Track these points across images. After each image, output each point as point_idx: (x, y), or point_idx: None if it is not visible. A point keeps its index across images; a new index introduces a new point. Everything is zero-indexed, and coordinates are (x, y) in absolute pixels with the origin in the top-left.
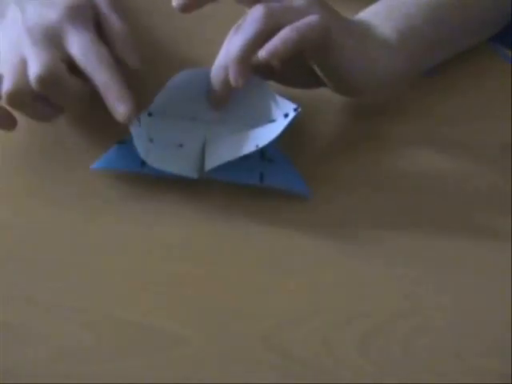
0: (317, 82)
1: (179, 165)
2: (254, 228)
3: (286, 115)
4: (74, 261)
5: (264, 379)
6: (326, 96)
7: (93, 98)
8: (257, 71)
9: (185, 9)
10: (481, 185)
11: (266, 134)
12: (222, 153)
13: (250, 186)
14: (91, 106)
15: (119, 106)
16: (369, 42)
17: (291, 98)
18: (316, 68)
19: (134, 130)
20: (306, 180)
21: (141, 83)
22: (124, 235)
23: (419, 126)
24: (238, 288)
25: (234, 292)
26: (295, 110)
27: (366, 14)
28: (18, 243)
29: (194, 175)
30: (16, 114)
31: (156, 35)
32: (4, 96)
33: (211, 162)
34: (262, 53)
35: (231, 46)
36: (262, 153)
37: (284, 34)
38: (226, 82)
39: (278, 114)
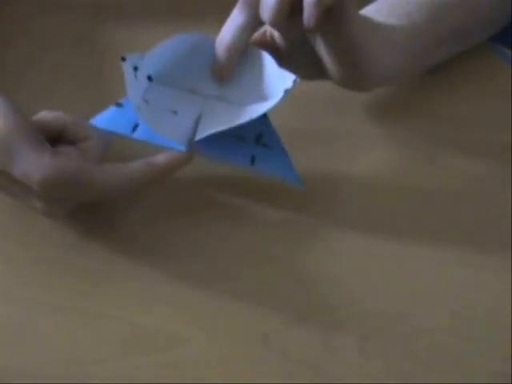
0: (319, 74)
1: (170, 131)
2: (253, 228)
3: (287, 91)
4: (73, 260)
5: (264, 379)
6: (329, 95)
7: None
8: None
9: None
10: (481, 185)
11: (260, 108)
12: (214, 124)
13: (249, 180)
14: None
15: None
16: (376, 36)
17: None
18: (323, 51)
19: (130, 80)
20: (303, 176)
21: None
22: (123, 234)
23: (419, 125)
24: (238, 288)
25: (234, 292)
26: (294, 81)
27: (368, 12)
28: (17, 242)
29: (182, 147)
30: None
31: None
32: None
33: (202, 132)
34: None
35: (264, 8)
36: (258, 137)
37: None
38: (230, 49)
39: (278, 89)
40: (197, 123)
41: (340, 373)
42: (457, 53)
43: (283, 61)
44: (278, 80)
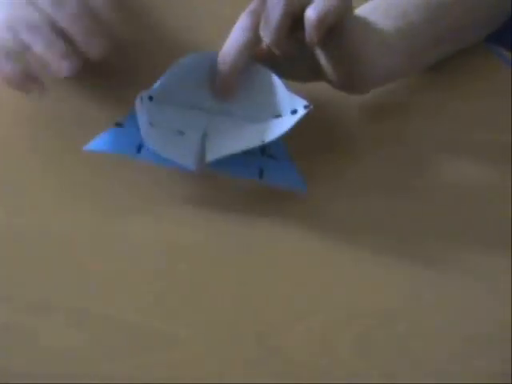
0: (313, 76)
1: (178, 152)
2: (252, 229)
3: (294, 111)
4: (71, 261)
5: (262, 380)
6: (329, 96)
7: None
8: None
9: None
10: (481, 185)
11: (272, 130)
12: (224, 145)
13: (249, 184)
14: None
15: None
16: (372, 39)
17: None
18: (322, 56)
19: (137, 109)
20: (305, 178)
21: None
22: (122, 236)
23: (419, 126)
24: (236, 288)
25: (232, 292)
26: (306, 107)
27: (363, 11)
28: (16, 244)
29: (192, 167)
30: None
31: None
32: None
33: (213, 154)
34: (312, 16)
35: (265, 28)
36: (263, 148)
37: (323, 4)
38: (233, 66)
39: (285, 109)
40: (203, 139)
41: (338, 373)
42: (456, 50)
43: (280, 66)
44: (286, 100)
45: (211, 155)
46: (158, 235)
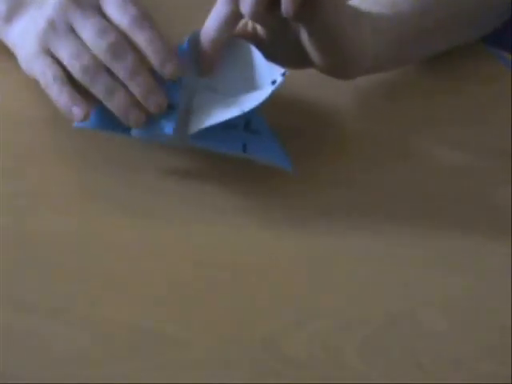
0: (302, 62)
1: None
2: (255, 230)
3: (274, 82)
4: (73, 264)
5: (264, 382)
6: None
7: None
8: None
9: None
10: (481, 186)
11: (251, 100)
12: (206, 118)
13: (253, 185)
14: None
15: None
16: (358, 23)
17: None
18: (305, 39)
19: None
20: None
21: None
22: (122, 237)
23: (419, 127)
24: (238, 291)
25: (234, 295)
26: (283, 74)
27: (353, 1)
28: (17, 246)
29: (171, 132)
30: None
31: None
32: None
33: (195, 126)
34: None
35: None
36: (247, 123)
37: None
38: (216, 41)
39: (265, 80)
40: (186, 114)
41: (340, 376)
42: (449, 46)
43: (267, 50)
44: (266, 71)
45: (193, 127)
46: (159, 237)
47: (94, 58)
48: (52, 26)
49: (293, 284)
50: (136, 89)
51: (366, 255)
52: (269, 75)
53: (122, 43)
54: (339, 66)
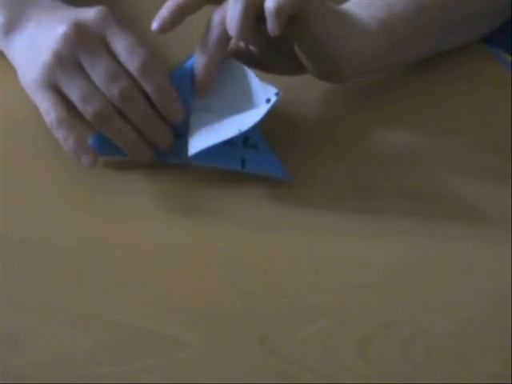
0: (298, 69)
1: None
2: (255, 230)
3: (268, 100)
4: (73, 265)
5: (263, 382)
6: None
7: None
8: (236, 57)
9: (163, 30)
10: (481, 187)
11: (248, 119)
12: (204, 138)
13: (250, 183)
14: None
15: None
16: (347, 27)
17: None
18: (297, 48)
19: None
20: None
21: None
22: (123, 239)
23: (418, 128)
24: (238, 291)
25: (234, 295)
26: (276, 94)
27: (348, 4)
28: (19, 247)
29: (177, 160)
30: None
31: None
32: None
33: (194, 147)
34: (270, 6)
35: (229, 22)
36: (245, 139)
37: None
38: (208, 64)
39: (260, 99)
40: (185, 135)
41: (339, 376)
42: (450, 46)
43: (261, 62)
44: (260, 91)
45: (192, 149)
46: (159, 237)
47: (106, 102)
48: (59, 60)
49: (293, 284)
50: (147, 131)
51: (366, 255)
52: (263, 94)
53: (133, 89)
54: (331, 70)
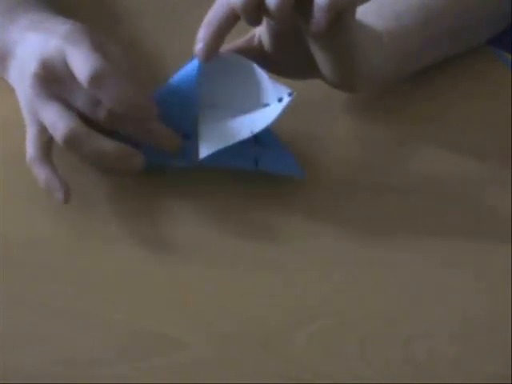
0: (309, 73)
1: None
2: (256, 231)
3: (280, 99)
4: (74, 265)
5: (264, 382)
6: (321, 96)
7: None
8: (246, 55)
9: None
10: (481, 187)
11: (260, 120)
12: (216, 140)
13: (251, 183)
14: None
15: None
16: (362, 39)
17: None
18: (320, 53)
19: None
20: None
21: None
22: (124, 237)
23: (418, 128)
24: (238, 292)
25: (234, 296)
26: (290, 94)
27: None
28: (19, 247)
29: (187, 163)
30: None
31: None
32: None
33: (206, 150)
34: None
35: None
36: (256, 138)
37: None
38: (217, 31)
39: (271, 98)
40: (196, 134)
41: (339, 376)
42: (454, 53)
43: (272, 61)
44: (270, 89)
45: (204, 151)
46: (159, 237)
47: (76, 123)
48: (36, 95)
49: (293, 284)
50: (151, 141)
51: (366, 256)
52: (275, 93)
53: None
54: (350, 80)
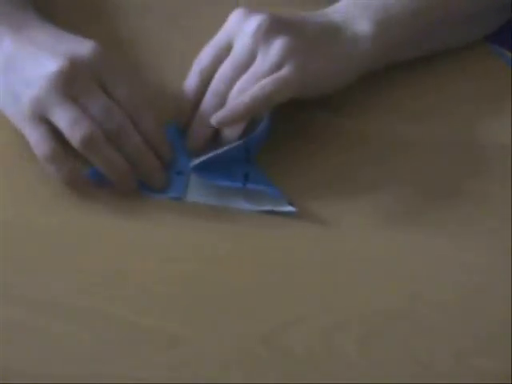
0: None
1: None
2: (254, 228)
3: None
4: (74, 261)
5: (264, 380)
6: None
7: None
8: None
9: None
10: (481, 186)
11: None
12: (206, 153)
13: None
14: None
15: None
16: (342, 36)
17: None
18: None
19: None
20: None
21: None
22: (124, 235)
23: (418, 127)
24: (239, 288)
25: (235, 292)
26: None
27: (344, 3)
28: (17, 243)
29: (177, 195)
30: None
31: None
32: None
33: (197, 160)
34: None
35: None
36: (246, 176)
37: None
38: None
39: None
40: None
41: (340, 373)
42: (445, 46)
43: None
44: None
45: (195, 161)
46: (159, 235)
47: (96, 127)
48: (50, 94)
49: (292, 281)
50: (140, 166)
51: (365, 253)
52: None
53: (129, 125)
54: (326, 92)
